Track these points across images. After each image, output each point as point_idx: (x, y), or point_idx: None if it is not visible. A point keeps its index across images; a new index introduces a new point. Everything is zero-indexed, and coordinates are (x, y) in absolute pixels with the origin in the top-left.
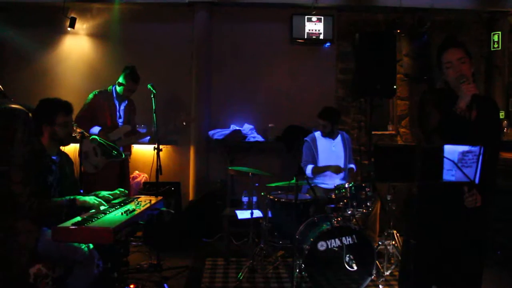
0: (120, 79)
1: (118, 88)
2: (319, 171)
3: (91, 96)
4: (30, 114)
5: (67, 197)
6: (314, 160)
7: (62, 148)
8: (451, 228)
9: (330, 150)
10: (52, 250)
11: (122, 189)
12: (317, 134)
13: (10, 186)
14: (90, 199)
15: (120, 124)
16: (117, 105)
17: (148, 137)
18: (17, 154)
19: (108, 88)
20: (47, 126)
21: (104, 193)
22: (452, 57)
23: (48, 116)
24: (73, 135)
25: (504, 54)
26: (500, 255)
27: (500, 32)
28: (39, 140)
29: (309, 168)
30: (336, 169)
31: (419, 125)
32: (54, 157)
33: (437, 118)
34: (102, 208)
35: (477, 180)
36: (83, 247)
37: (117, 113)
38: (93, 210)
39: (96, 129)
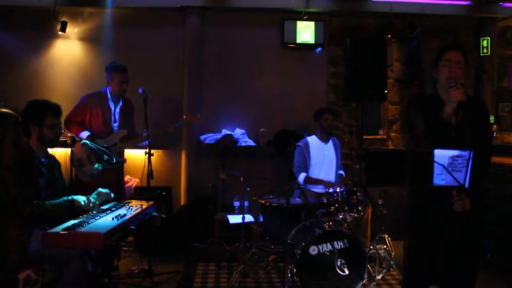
0: (108, 77)
1: (111, 89)
2: (311, 182)
3: (80, 99)
4: (20, 118)
5: (65, 198)
6: (305, 165)
7: (50, 151)
8: (444, 229)
9: (323, 154)
10: (44, 250)
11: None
12: (310, 139)
13: (5, 189)
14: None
15: (115, 128)
16: (112, 107)
17: (146, 142)
18: (7, 158)
19: (102, 90)
20: (35, 128)
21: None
22: (453, 57)
23: (37, 117)
24: (63, 139)
25: (493, 60)
26: (490, 258)
27: (489, 38)
28: (28, 142)
29: (301, 177)
30: (329, 185)
31: (408, 131)
32: (43, 159)
33: (424, 124)
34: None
35: (467, 184)
36: None
37: (112, 117)
38: (93, 213)
39: (84, 134)
